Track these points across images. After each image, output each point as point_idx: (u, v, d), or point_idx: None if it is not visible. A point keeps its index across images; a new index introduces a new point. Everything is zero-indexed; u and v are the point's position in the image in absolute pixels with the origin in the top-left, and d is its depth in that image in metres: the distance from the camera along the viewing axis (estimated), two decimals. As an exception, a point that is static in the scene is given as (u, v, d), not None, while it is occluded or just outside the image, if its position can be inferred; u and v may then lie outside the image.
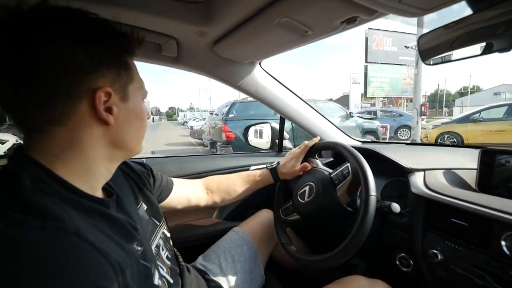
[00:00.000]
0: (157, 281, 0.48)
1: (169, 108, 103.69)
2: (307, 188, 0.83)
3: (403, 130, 10.90)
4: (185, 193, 0.84)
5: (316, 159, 0.93)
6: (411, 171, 0.81)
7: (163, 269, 0.55)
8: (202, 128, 9.37)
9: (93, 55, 0.38)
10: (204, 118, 13.19)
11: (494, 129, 7.17)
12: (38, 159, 0.38)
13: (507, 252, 0.55)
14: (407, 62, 17.74)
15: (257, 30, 0.72)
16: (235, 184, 0.92)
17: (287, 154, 0.96)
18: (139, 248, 0.45)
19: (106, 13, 0.44)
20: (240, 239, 0.91)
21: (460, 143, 7.42)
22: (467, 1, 0.53)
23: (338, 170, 0.81)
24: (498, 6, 0.50)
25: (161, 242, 0.61)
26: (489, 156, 0.69)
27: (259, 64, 1.04)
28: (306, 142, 0.94)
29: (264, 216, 1.01)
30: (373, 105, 22.43)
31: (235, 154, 1.37)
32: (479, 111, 7.65)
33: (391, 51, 17.84)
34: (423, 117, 8.73)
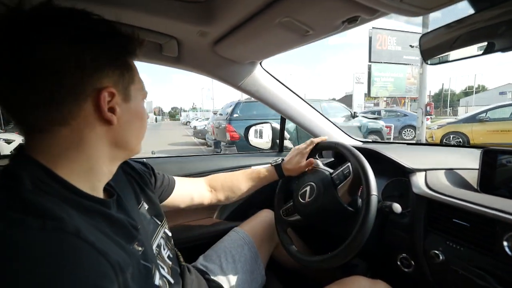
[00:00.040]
0: (157, 281, 0.48)
1: (172, 108, 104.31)
2: (308, 188, 0.83)
3: (407, 130, 10.79)
4: (188, 191, 0.83)
5: (317, 159, 0.93)
6: (413, 171, 0.81)
7: (164, 269, 0.55)
8: (206, 128, 9.40)
9: (93, 55, 0.38)
10: (207, 118, 13.22)
11: (501, 128, 7.05)
12: (39, 159, 0.38)
13: (509, 252, 0.55)
14: (412, 61, 17.49)
15: (258, 30, 0.72)
16: (239, 182, 0.92)
17: (292, 149, 0.95)
18: (140, 248, 0.46)
19: (107, 13, 0.44)
20: (241, 239, 0.91)
21: (465, 143, 7.31)
22: (468, 1, 0.53)
23: (339, 170, 0.81)
24: (499, 5, 0.49)
25: (162, 241, 0.61)
26: (490, 156, 0.68)
27: (260, 64, 1.04)
28: (313, 138, 0.93)
29: (265, 216, 1.01)
30: (376, 104, 22.27)
31: (235, 154, 1.38)
32: (485, 111, 7.53)
33: (395, 51, 17.61)
34: (428, 116, 8.66)
